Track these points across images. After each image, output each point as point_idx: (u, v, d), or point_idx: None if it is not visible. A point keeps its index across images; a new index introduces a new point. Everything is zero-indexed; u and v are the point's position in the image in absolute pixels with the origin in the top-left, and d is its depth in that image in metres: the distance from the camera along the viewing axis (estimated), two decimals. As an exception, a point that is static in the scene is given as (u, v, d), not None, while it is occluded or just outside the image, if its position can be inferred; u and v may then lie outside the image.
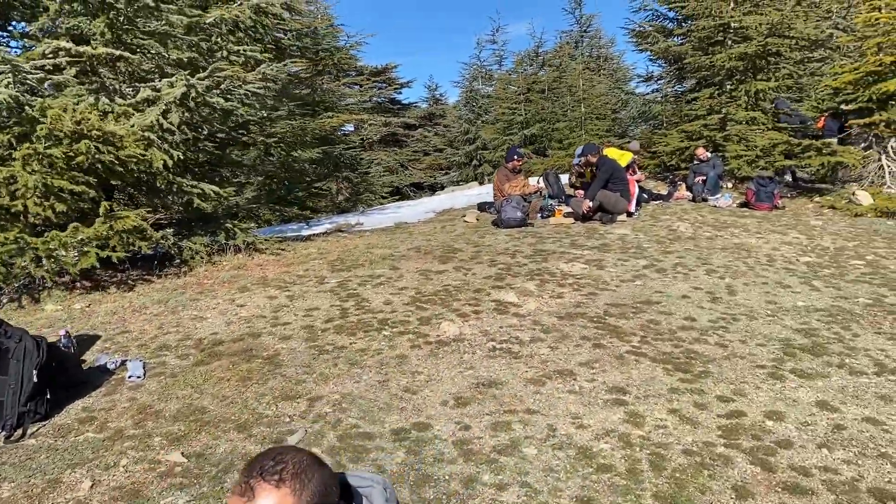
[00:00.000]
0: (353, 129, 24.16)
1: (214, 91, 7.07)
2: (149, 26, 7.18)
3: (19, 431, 3.57)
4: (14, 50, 7.72)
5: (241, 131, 9.14)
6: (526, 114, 21.08)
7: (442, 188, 23.07)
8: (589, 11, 28.28)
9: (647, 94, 19.76)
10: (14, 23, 7.58)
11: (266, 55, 7.96)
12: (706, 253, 7.27)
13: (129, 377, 4.21)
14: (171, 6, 7.09)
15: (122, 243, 6.27)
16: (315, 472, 1.25)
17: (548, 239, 8.09)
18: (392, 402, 3.81)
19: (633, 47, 16.15)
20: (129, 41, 7.12)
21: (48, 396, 3.74)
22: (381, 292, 5.95)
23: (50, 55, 6.59)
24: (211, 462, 3.23)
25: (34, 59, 6.43)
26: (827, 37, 14.55)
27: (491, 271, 6.58)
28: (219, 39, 7.81)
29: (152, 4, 6.59)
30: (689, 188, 11.21)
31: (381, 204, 18.85)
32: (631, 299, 5.69)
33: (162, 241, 6.95)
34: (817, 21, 14.81)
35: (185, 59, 7.43)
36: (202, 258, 7.19)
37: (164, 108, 6.64)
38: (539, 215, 9.59)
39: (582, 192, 9.60)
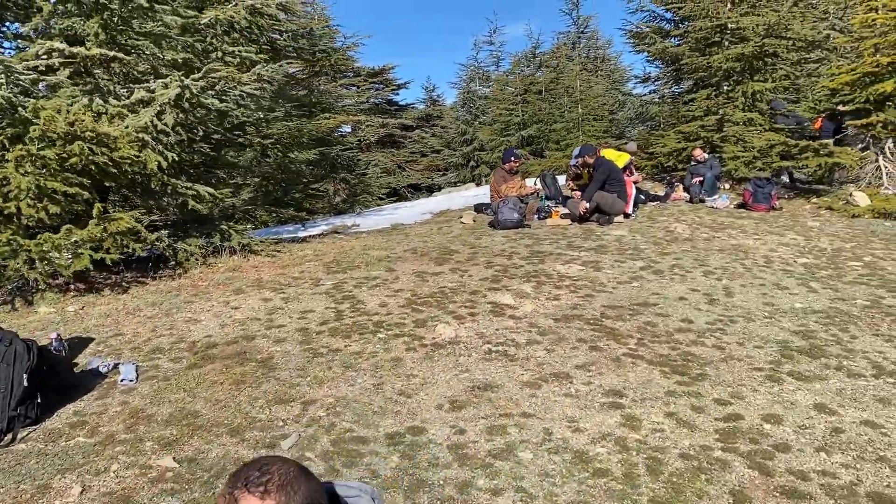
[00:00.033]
0: (350, 130, 24.12)
1: (209, 92, 7.03)
2: (145, 27, 7.14)
3: (9, 436, 3.53)
4: (8, 51, 7.67)
5: (237, 133, 9.09)
6: (523, 115, 21.08)
7: (439, 189, 23.04)
8: (586, 13, 28.22)
9: (645, 95, 19.77)
10: (7, 23, 7.52)
11: (261, 56, 7.92)
12: (703, 254, 7.25)
13: (122, 381, 4.16)
14: (165, 7, 7.04)
15: (116, 245, 6.23)
16: (301, 484, 1.22)
17: (544, 240, 8.07)
18: (387, 406, 3.77)
19: (631, 48, 16.18)
20: (123, 42, 7.08)
21: (39, 400, 3.70)
22: (377, 294, 5.92)
23: (43, 56, 6.55)
24: (203, 467, 3.19)
25: (27, 60, 6.38)
26: (824, 38, 14.56)
27: (487, 273, 6.55)
28: (214, 40, 7.77)
29: (146, 5, 6.54)
30: (686, 189, 11.20)
31: (379, 205, 18.81)
32: (628, 301, 5.66)
33: (156, 243, 6.91)
34: (814, 22, 14.82)
35: (180, 60, 7.38)
36: (197, 260, 7.14)
37: (158, 109, 6.60)
38: (536, 217, 9.57)
39: (579, 193, 9.57)
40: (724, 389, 3.93)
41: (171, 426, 3.60)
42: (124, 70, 7.22)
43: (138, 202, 8.69)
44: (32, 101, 6.01)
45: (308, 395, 3.92)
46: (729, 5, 12.78)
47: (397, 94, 28.19)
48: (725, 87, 12.99)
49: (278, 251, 7.84)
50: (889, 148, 10.54)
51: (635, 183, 10.37)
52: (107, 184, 6.72)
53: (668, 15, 14.88)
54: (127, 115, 6.62)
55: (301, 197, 15.78)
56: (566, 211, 9.48)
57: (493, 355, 4.48)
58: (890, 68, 9.96)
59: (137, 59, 7.29)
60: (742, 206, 10.25)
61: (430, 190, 24.51)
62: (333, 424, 3.57)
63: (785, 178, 11.97)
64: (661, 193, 11.44)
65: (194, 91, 6.58)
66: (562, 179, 11.68)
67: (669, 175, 13.09)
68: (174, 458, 3.26)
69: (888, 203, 9.34)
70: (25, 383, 3.62)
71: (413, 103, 29.77)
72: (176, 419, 3.68)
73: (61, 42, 6.60)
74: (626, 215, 9.37)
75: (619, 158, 10.47)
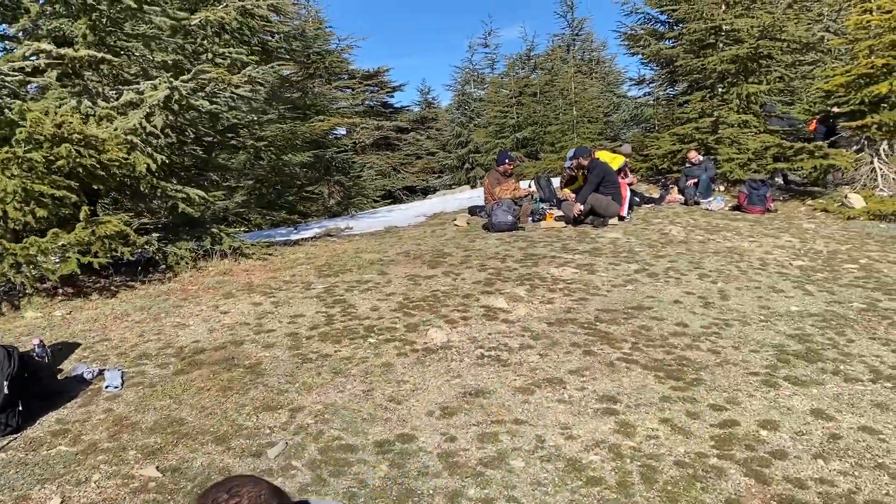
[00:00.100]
0: (345, 132, 24.03)
1: (199, 94, 6.96)
2: (137, 29, 7.07)
3: (-11, 445, 3.45)
4: (-5, 52, 7.58)
5: (229, 135, 9.02)
6: (518, 117, 21.02)
7: (434, 192, 22.97)
8: (580, 15, 28.19)
9: (639, 97, 19.73)
10: (-5, 25, 7.44)
11: (252, 58, 7.84)
12: (698, 257, 7.19)
13: (106, 387, 4.08)
14: (155, 8, 6.96)
15: (104, 249, 6.14)
16: (272, 505, 1.15)
17: (539, 243, 8.00)
18: (376, 413, 3.70)
19: (625, 50, 16.13)
20: (112, 43, 7.00)
21: (20, 408, 3.62)
22: (369, 298, 5.84)
23: (31, 57, 6.47)
24: (187, 476, 3.11)
25: (13, 62, 6.29)
26: (818, 40, 14.56)
27: (480, 276, 6.48)
28: (205, 42, 7.70)
29: (135, 6, 6.46)
30: (680, 191, 11.16)
31: (374, 208, 18.73)
32: (622, 304, 5.60)
33: (146, 247, 6.83)
34: (808, 24, 14.82)
35: (171, 62, 7.30)
36: (187, 264, 7.06)
37: (147, 111, 6.52)
38: (530, 219, 9.51)
39: (573, 195, 9.52)
40: (720, 395, 3.87)
41: (155, 434, 3.52)
42: (114, 72, 7.14)
43: (128, 205, 8.61)
44: (19, 102, 5.93)
45: (296, 402, 3.84)
46: (723, 7, 12.76)
47: (392, 96, 28.14)
48: (720, 89, 12.95)
49: (270, 254, 7.77)
50: (884, 150, 10.52)
51: (630, 185, 10.33)
52: (95, 187, 6.63)
53: (663, 17, 14.83)
54: (116, 117, 6.54)
55: (295, 200, 15.69)
56: (560, 213, 9.43)
57: (486, 360, 4.41)
58: (884, 70, 9.94)
59: (127, 61, 7.22)
60: (737, 208, 10.20)
61: (426, 192, 24.43)
62: (321, 432, 3.49)
63: (779, 180, 11.95)
64: (656, 196, 11.39)
65: (184, 92, 6.50)
66: (556, 182, 11.62)
67: (664, 177, 13.05)
68: (157, 467, 3.18)
69: (883, 205, 9.31)
70: (6, 390, 3.53)
71: (408, 106, 29.73)
72: (161, 427, 3.60)
73: (49, 43, 6.51)
74: (621, 217, 9.31)
75: (614, 160, 10.42)
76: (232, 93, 7.59)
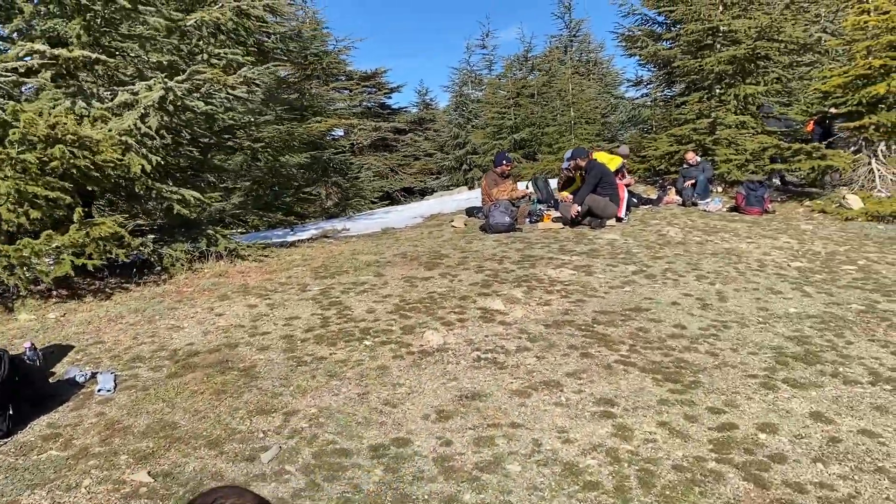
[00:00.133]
0: (343, 133, 23.99)
1: (194, 94, 6.92)
2: (134, 30, 7.03)
3: (-21, 450, 3.40)
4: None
5: (226, 136, 8.98)
6: (515, 118, 21.00)
7: (432, 193, 22.94)
8: (578, 16, 28.26)
9: (637, 98, 19.72)
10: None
11: (248, 58, 7.81)
12: (696, 258, 7.16)
13: (99, 391, 4.04)
14: (149, 8, 6.92)
15: (99, 251, 6.10)
16: (256, 517, 1.11)
17: (536, 244, 7.97)
18: (371, 417, 3.66)
19: (623, 51, 16.16)
20: (106, 44, 6.96)
21: (10, 412, 3.57)
22: (365, 300, 5.80)
23: (26, 58, 6.43)
24: (179, 482, 3.07)
25: (6, 62, 6.25)
26: (815, 41, 14.55)
27: (477, 278, 6.44)
28: (200, 42, 7.66)
29: (129, 6, 6.42)
30: (678, 192, 11.14)
31: (371, 209, 18.69)
32: (620, 306, 5.56)
33: (141, 249, 6.78)
34: (806, 25, 14.81)
35: (166, 63, 7.26)
36: (183, 265, 7.02)
37: (142, 111, 6.48)
38: (527, 220, 9.48)
39: (571, 196, 9.49)
40: (718, 397, 3.83)
41: (147, 438, 3.48)
42: (108, 72, 7.10)
43: (124, 206, 8.56)
44: (12, 103, 5.89)
45: (290, 406, 3.80)
46: (721, 8, 12.75)
47: (390, 97, 28.09)
48: (717, 90, 12.95)
49: (266, 256, 7.72)
50: (882, 151, 10.50)
51: (627, 186, 10.30)
52: (90, 188, 6.58)
53: (660, 18, 14.84)
54: (110, 118, 6.50)
55: (292, 201, 15.64)
56: (558, 214, 9.40)
57: (482, 363, 4.37)
58: (882, 71, 9.92)
59: (122, 62, 7.18)
60: (735, 209, 10.18)
61: (423, 193, 24.41)
62: (316, 436, 3.45)
63: (776, 181, 11.93)
64: (654, 197, 11.37)
65: (178, 93, 6.46)
66: (554, 183, 11.60)
67: (662, 178, 13.03)
68: (149, 472, 3.14)
69: (881, 206, 9.29)
70: (-4, 395, 3.49)
71: (406, 107, 29.70)
72: (153, 431, 3.56)
73: (43, 44, 6.47)
74: (619, 219, 9.28)
75: (612, 162, 10.40)
76: (228, 94, 7.55)
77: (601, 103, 22.27)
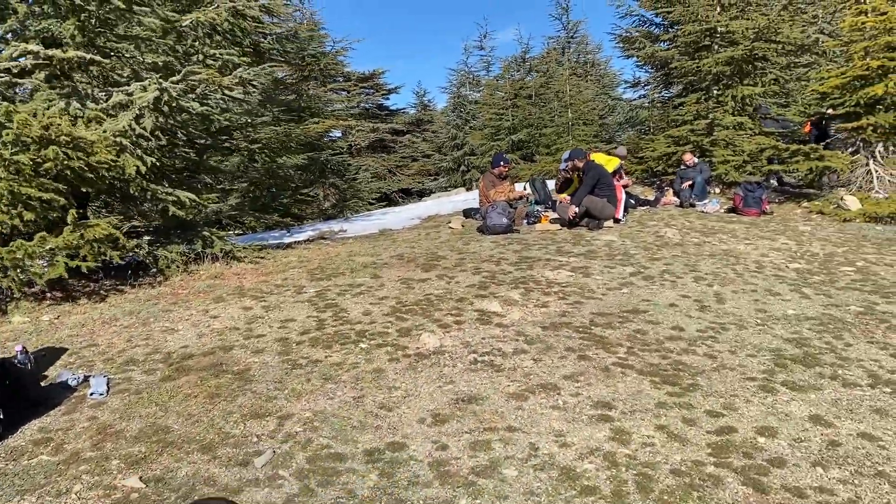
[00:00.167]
0: (340, 134, 23.96)
1: (190, 95, 6.87)
2: (130, 31, 6.98)
3: (-32, 455, 3.36)
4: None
5: (222, 137, 8.94)
6: (513, 119, 20.98)
7: (430, 194, 22.91)
8: (575, 17, 28.22)
9: (634, 99, 19.72)
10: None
11: (244, 59, 7.76)
12: (694, 260, 7.14)
13: (91, 394, 3.99)
14: (144, 8, 6.88)
15: (93, 252, 6.05)
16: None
17: (533, 246, 7.94)
18: (366, 420, 3.62)
19: (620, 53, 16.16)
20: (101, 44, 6.92)
21: (1, 417, 3.53)
22: (361, 302, 5.77)
23: (18, 58, 6.38)
24: (171, 487, 3.03)
25: (0, 63, 6.20)
26: (813, 42, 14.54)
27: (475, 279, 6.41)
28: (196, 43, 7.62)
29: (123, 6, 6.38)
30: (676, 193, 11.12)
31: (369, 210, 18.65)
32: (617, 308, 5.53)
33: (136, 250, 6.74)
34: (803, 26, 14.80)
35: (161, 63, 7.21)
36: (178, 267, 6.98)
37: (136, 112, 6.44)
38: (525, 221, 9.45)
39: (568, 197, 9.46)
40: (717, 400, 3.80)
41: (140, 443, 3.44)
42: (103, 73, 7.06)
43: (119, 208, 8.52)
44: (6, 104, 5.84)
45: (285, 409, 3.76)
46: (718, 9, 12.73)
47: (388, 98, 28.09)
48: (715, 91, 12.93)
49: (262, 258, 7.68)
50: (879, 151, 10.49)
51: (625, 187, 10.28)
52: (84, 189, 6.53)
53: (658, 19, 14.81)
54: (105, 119, 6.45)
55: (290, 202, 15.62)
56: (555, 216, 9.37)
57: (479, 366, 4.34)
58: (880, 71, 9.91)
59: (117, 62, 7.13)
60: (732, 210, 10.16)
61: (421, 194, 24.38)
62: (310, 440, 3.41)
63: (774, 182, 11.91)
64: (651, 198, 11.35)
65: (173, 94, 6.42)
66: (551, 184, 11.57)
67: (659, 179, 13.01)
68: (141, 477, 3.10)
69: (879, 207, 9.27)
70: (-14, 399, 3.45)
71: (404, 108, 29.68)
72: (146, 435, 3.52)
73: (37, 44, 6.43)
74: (616, 220, 9.26)
75: (609, 163, 10.38)
76: (224, 94, 7.51)
77: (599, 104, 22.27)
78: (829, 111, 11.18)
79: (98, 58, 6.58)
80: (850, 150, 10.81)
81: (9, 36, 6.94)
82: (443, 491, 2.95)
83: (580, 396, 3.87)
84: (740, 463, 3.13)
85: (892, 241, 8.00)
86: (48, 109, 6.14)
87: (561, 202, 9.43)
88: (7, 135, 5.64)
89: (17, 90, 6.97)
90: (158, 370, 4.40)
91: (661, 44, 14.72)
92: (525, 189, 10.64)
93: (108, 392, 4.06)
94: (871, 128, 10.12)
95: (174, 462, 3.24)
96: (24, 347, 4.11)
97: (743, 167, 11.65)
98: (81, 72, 6.84)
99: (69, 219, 5.89)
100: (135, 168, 6.21)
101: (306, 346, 4.73)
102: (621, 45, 15.50)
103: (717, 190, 11.82)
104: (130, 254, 6.78)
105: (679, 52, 13.51)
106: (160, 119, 6.66)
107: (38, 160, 5.73)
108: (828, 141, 11.28)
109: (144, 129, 6.49)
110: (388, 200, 23.58)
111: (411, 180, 26.06)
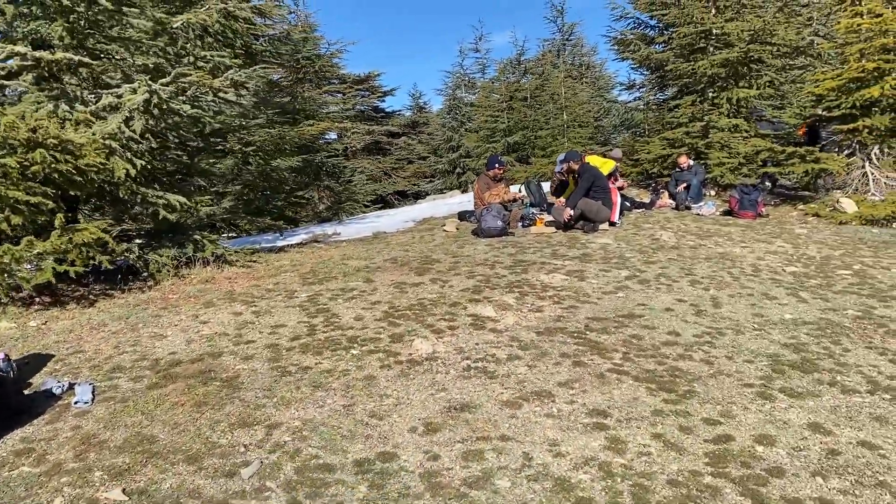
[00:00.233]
0: (336, 137, 23.88)
1: (180, 98, 6.79)
2: (124, 33, 6.89)
3: (-53, 466, 3.27)
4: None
5: (215, 140, 8.85)
6: (508, 122, 20.93)
7: (426, 196, 22.83)
8: (571, 20, 28.29)
9: (630, 102, 19.72)
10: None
11: (236, 61, 7.68)
12: (690, 263, 7.08)
13: (76, 402, 3.90)
14: (134, 10, 6.80)
15: (82, 257, 5.96)
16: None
17: (528, 249, 7.87)
18: (357, 430, 3.54)
19: (615, 55, 16.11)
20: (91, 46, 6.83)
21: (-18, 427, 3.44)
22: (353, 307, 5.69)
23: (5, 60, 6.29)
24: (154, 500, 2.95)
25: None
26: (808, 44, 14.54)
27: (469, 283, 6.34)
28: (187, 45, 7.54)
29: (112, 7, 6.29)
30: (671, 196, 11.07)
31: (364, 212, 18.56)
32: (613, 312, 5.46)
33: (126, 254, 6.65)
34: (798, 28, 14.79)
35: (151, 65, 7.13)
36: (169, 271, 6.88)
37: (126, 115, 6.35)
38: (520, 224, 9.38)
39: (563, 200, 9.40)
40: (714, 408, 3.73)
41: (124, 453, 3.35)
42: (93, 75, 6.97)
43: (110, 212, 8.41)
44: (-9, 107, 5.76)
45: (273, 418, 3.68)
46: (713, 11, 12.71)
47: (383, 100, 27.96)
48: (710, 94, 12.90)
49: (254, 261, 7.60)
50: (875, 154, 10.47)
51: (620, 190, 10.23)
52: (73, 193, 6.44)
53: (653, 22, 14.78)
54: (94, 122, 6.37)
55: (284, 205, 15.49)
56: (550, 218, 9.31)
57: (472, 372, 4.26)
58: (875, 74, 9.89)
59: (107, 65, 7.04)
60: (728, 212, 10.13)
61: (417, 197, 24.30)
62: (299, 450, 3.33)
63: (767, 184, 11.88)
64: (647, 200, 11.30)
65: (163, 96, 6.33)
66: (547, 186, 11.51)
67: (655, 182, 12.97)
68: (124, 489, 3.01)
69: (875, 209, 9.24)
70: (-34, 409, 3.36)
71: (399, 110, 29.59)
72: (130, 445, 3.43)
73: (25, 46, 6.34)
74: (612, 223, 9.20)
75: (604, 165, 10.33)
76: (215, 96, 7.42)
77: (594, 107, 22.24)
78: (823, 113, 11.16)
79: (87, 60, 6.49)
80: (846, 152, 10.78)
81: (-3, 38, 6.86)
82: (434, 503, 2.87)
83: (575, 404, 3.80)
84: (738, 473, 3.06)
85: (889, 243, 7.96)
86: (36, 112, 6.05)
87: (556, 205, 9.37)
88: (-7, 138, 5.55)
89: (5, 93, 6.88)
90: (145, 377, 4.32)
91: (656, 46, 14.69)
92: (520, 191, 10.58)
93: (93, 400, 3.97)
94: (867, 130, 10.10)
95: (159, 473, 3.16)
96: (6, 355, 4.02)
97: (738, 169, 11.62)
98: (70, 74, 6.76)
99: (57, 223, 5.79)
100: (124, 171, 6.12)
101: (297, 352, 4.65)
102: (616, 48, 15.48)
103: (713, 192, 11.79)
104: (121, 258, 6.69)
105: (674, 54, 13.48)
106: (150, 121, 6.57)
107: (26, 163, 5.63)
108: (824, 143, 11.25)
109: (134, 131, 6.41)
110: (383, 202, 23.50)
111: (407, 182, 25.98)
